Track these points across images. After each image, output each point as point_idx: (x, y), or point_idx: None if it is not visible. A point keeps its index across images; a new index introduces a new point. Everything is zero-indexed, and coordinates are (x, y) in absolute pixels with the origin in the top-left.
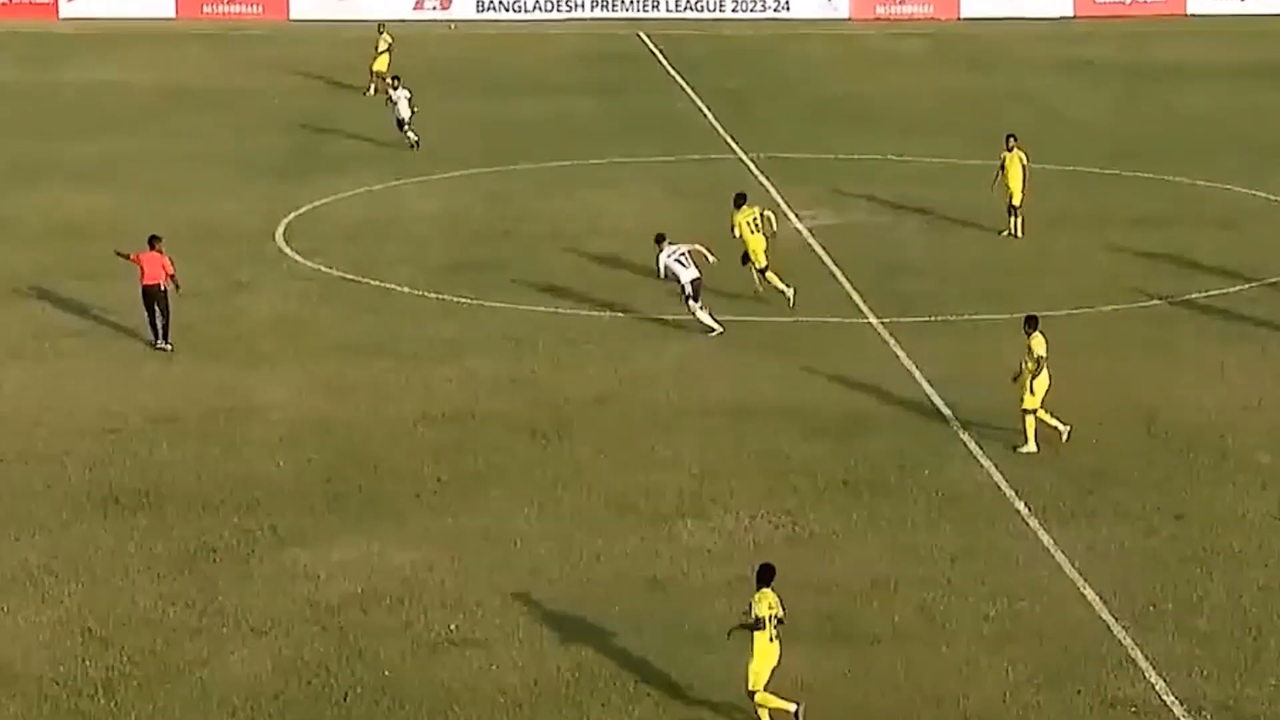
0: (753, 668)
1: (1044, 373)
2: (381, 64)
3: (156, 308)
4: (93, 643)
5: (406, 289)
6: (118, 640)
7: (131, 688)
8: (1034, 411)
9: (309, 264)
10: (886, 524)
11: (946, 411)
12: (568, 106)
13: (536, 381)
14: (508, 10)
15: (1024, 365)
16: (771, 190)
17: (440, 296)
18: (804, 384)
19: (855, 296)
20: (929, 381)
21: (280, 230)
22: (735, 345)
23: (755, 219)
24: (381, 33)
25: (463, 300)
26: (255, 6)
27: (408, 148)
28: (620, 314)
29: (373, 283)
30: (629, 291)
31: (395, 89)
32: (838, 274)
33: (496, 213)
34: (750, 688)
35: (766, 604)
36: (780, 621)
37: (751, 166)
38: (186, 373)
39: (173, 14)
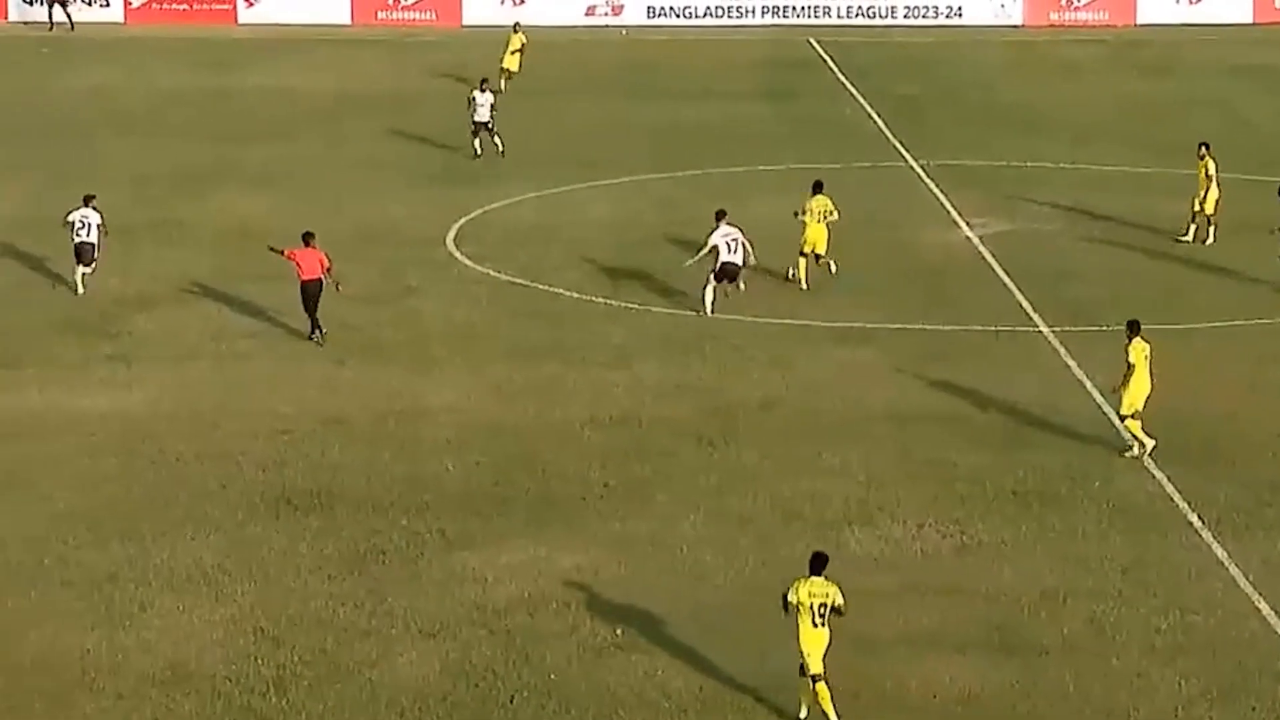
0: (803, 649)
1: (1140, 380)
2: (512, 62)
3: (312, 303)
4: (264, 642)
5: (574, 293)
6: (289, 639)
7: (302, 687)
8: (1129, 417)
9: (479, 268)
10: (1056, 534)
11: (1117, 421)
12: (738, 112)
13: (703, 387)
14: (679, 16)
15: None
16: (941, 198)
17: (608, 301)
18: (972, 392)
19: (1025, 305)
20: (1100, 391)
21: (451, 235)
22: (903, 352)
23: (827, 211)
24: (516, 31)
25: (630, 305)
26: (429, 13)
27: (471, 157)
28: (788, 320)
29: (541, 287)
30: (797, 298)
31: (481, 91)
32: (1008, 282)
33: (665, 218)
34: (810, 671)
35: (806, 592)
36: (834, 610)
37: (921, 173)
38: (358, 376)
39: (348, 20)
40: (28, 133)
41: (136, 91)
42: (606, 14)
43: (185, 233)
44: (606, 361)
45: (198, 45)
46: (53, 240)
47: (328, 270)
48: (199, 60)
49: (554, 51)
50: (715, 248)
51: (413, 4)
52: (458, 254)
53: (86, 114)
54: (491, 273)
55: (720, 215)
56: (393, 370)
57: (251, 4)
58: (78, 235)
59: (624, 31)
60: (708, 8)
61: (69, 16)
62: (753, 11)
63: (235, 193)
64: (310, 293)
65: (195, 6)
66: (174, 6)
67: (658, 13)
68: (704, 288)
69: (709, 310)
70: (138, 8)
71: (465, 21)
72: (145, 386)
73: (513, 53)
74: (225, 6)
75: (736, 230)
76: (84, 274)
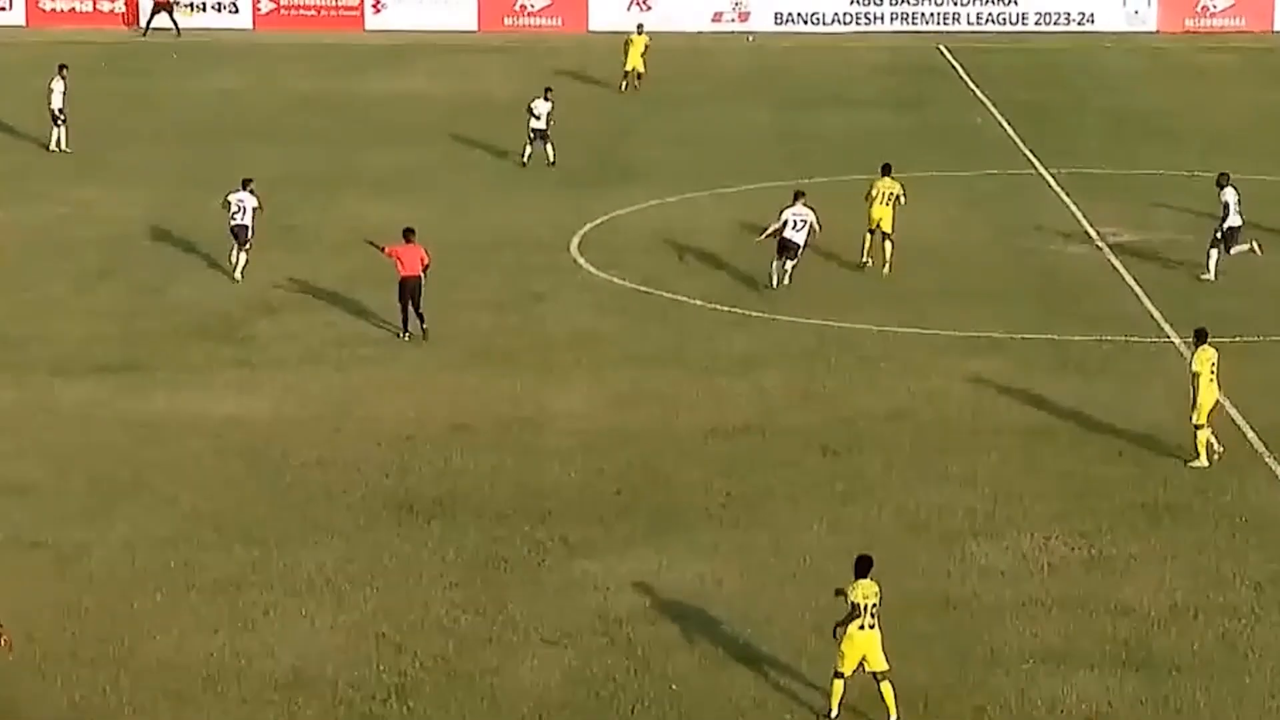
0: (843, 650)
1: (1206, 390)
2: (638, 63)
3: (410, 300)
4: (386, 648)
5: (699, 301)
6: (410, 646)
7: (424, 694)
8: (1201, 427)
9: (603, 275)
10: (1187, 549)
11: (1251, 435)
12: (866, 120)
13: (828, 396)
14: (806, 23)
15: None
16: (1072, 206)
17: (732, 309)
18: (1103, 404)
19: (1157, 315)
20: (1233, 403)
21: (575, 241)
22: (1032, 363)
23: (894, 193)
24: (640, 34)
25: (754, 313)
26: (555, 18)
27: (519, 164)
28: (915, 329)
29: (665, 295)
30: (925, 306)
31: (543, 100)
32: (1139, 292)
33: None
34: (838, 668)
35: (861, 593)
36: (874, 611)
37: (1051, 182)
38: (481, 382)
39: (475, 26)
40: (157, 137)
41: (264, 97)
42: (733, 20)
43: (309, 238)
44: (730, 370)
45: (325, 51)
46: (180, 245)
47: (426, 267)
48: (326, 66)
49: (679, 57)
50: (786, 221)
51: (540, 9)
52: (582, 260)
53: (214, 119)
54: (615, 280)
55: (798, 195)
56: (516, 376)
57: (379, 10)
58: (233, 218)
59: (750, 38)
60: (835, 14)
61: (175, 23)
62: (880, 18)
63: (359, 198)
64: (407, 289)
65: (323, 13)
66: (302, 13)
67: (785, 19)
68: (772, 264)
69: (773, 284)
70: (266, 14)
71: (591, 27)
72: (269, 391)
73: (639, 54)
74: (353, 13)
75: (809, 211)
76: (241, 258)
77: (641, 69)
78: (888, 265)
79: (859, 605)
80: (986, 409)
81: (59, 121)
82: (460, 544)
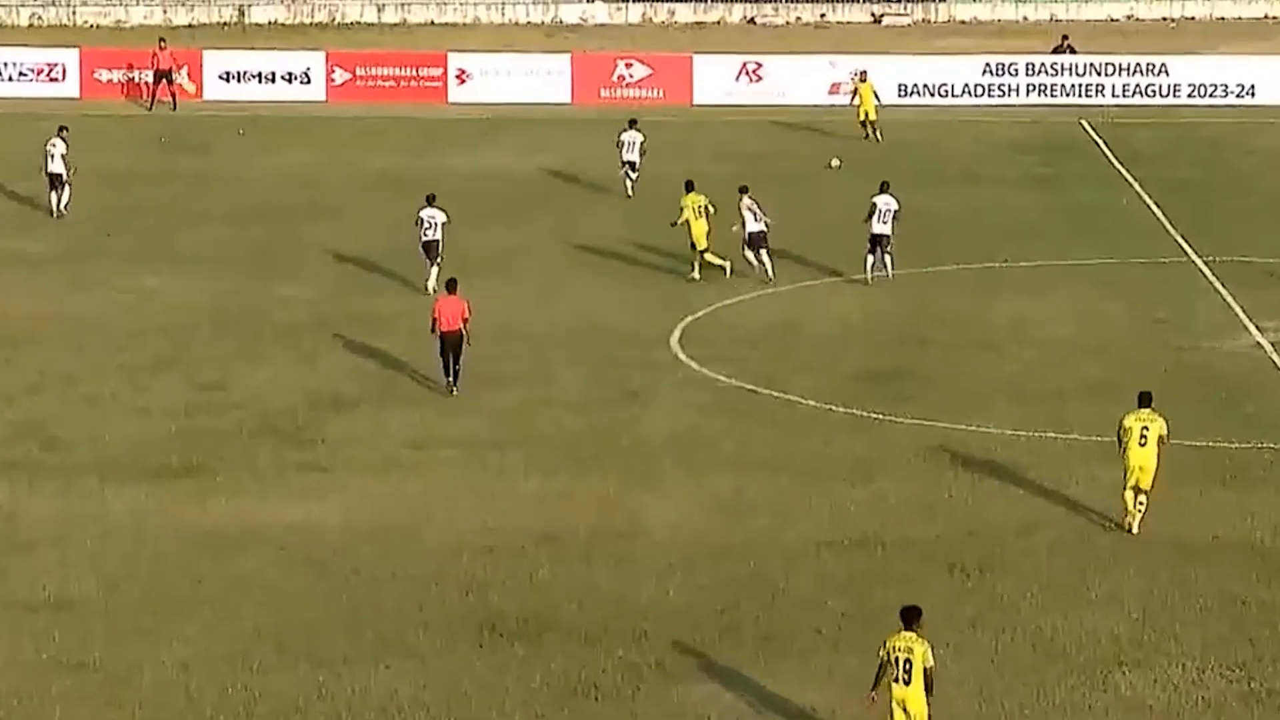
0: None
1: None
2: (869, 107)
3: (451, 354)
4: None
5: (812, 401)
6: None
7: None
8: None
9: (706, 372)
10: None
11: None
12: (998, 200)
13: (954, 507)
14: (933, 94)
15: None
16: (1228, 297)
17: (849, 410)
18: (1266, 518)
19: None
20: None
21: (676, 334)
22: (1185, 473)
23: (702, 206)
24: (864, 81)
25: (873, 414)
26: (657, 90)
27: (625, 197)
28: (1051, 434)
29: (775, 394)
30: (1061, 408)
31: (628, 130)
32: None
33: (914, 317)
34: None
35: (890, 645)
36: (926, 675)
37: (1205, 270)
38: (571, 487)
39: (568, 99)
40: (223, 219)
41: (337, 174)
42: (852, 91)
43: (387, 326)
44: (846, 476)
45: (404, 125)
46: (244, 336)
47: (466, 321)
48: (406, 141)
49: (794, 132)
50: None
51: (639, 80)
52: (682, 355)
53: (285, 198)
54: (720, 377)
55: (884, 187)
56: (610, 482)
57: (464, 81)
58: (425, 234)
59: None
60: (965, 85)
61: (173, 96)
62: (1016, 90)
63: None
64: (447, 343)
65: (403, 84)
66: (380, 84)
67: (909, 90)
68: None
69: (869, 277)
70: (341, 85)
71: (697, 100)
72: (340, 496)
73: (862, 101)
74: (435, 84)
75: (893, 200)
76: (434, 272)
77: (874, 116)
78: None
79: (885, 659)
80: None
81: (59, 185)
82: (547, 669)
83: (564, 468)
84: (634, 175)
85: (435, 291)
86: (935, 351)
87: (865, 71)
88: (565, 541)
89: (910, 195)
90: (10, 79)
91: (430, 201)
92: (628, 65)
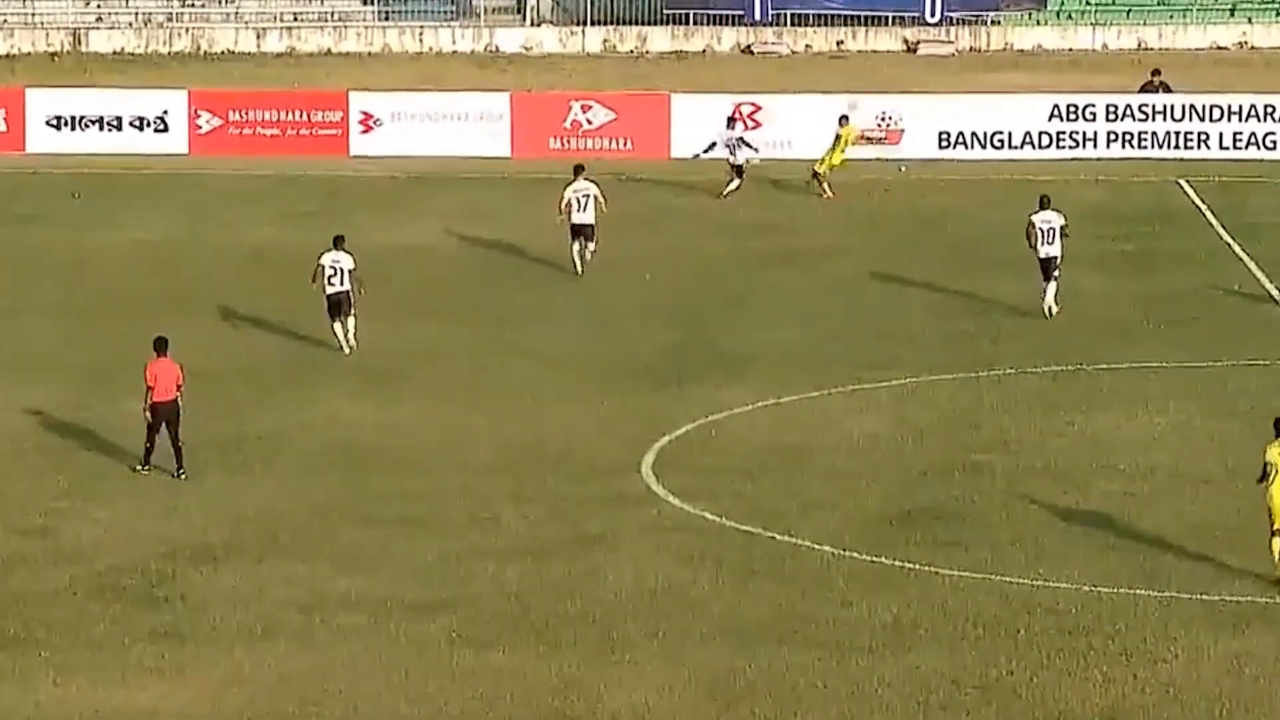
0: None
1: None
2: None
3: (166, 428)
4: None
5: (828, 548)
6: None
7: None
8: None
9: (688, 508)
10: None
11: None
12: (1071, 284)
13: (1016, 688)
14: (981, 146)
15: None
16: None
17: (875, 558)
18: None
19: None
20: None
21: (649, 460)
22: None
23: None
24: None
25: (908, 565)
26: (623, 140)
27: (574, 275)
28: (1143, 589)
29: (779, 537)
30: (1156, 559)
31: (575, 181)
32: None
33: (960, 439)
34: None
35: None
36: None
37: None
38: (513, 664)
39: (507, 152)
40: (54, 310)
41: (205, 251)
42: (881, 141)
43: (270, 453)
44: (872, 647)
45: (292, 185)
46: (82, 465)
47: (180, 387)
48: (294, 206)
49: (801, 196)
50: (1030, 227)
51: (600, 127)
52: (657, 487)
53: (135, 283)
54: (707, 515)
55: (1044, 202)
56: (563, 657)
57: (370, 128)
58: (330, 284)
59: (902, 168)
60: (1027, 134)
61: None
62: (1092, 140)
63: (342, 395)
64: (162, 415)
65: (290, 132)
66: (260, 131)
67: (952, 141)
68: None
69: (1047, 312)
70: (208, 133)
71: (676, 152)
72: (203, 676)
73: (834, 151)
74: (333, 131)
75: (1056, 215)
76: (346, 333)
77: (832, 166)
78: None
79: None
80: (1250, 706)
81: None
82: None
83: (503, 638)
84: (590, 247)
85: (350, 350)
86: (989, 482)
87: (847, 116)
88: None
89: (955, 277)
90: None
91: (337, 244)
92: (585, 108)
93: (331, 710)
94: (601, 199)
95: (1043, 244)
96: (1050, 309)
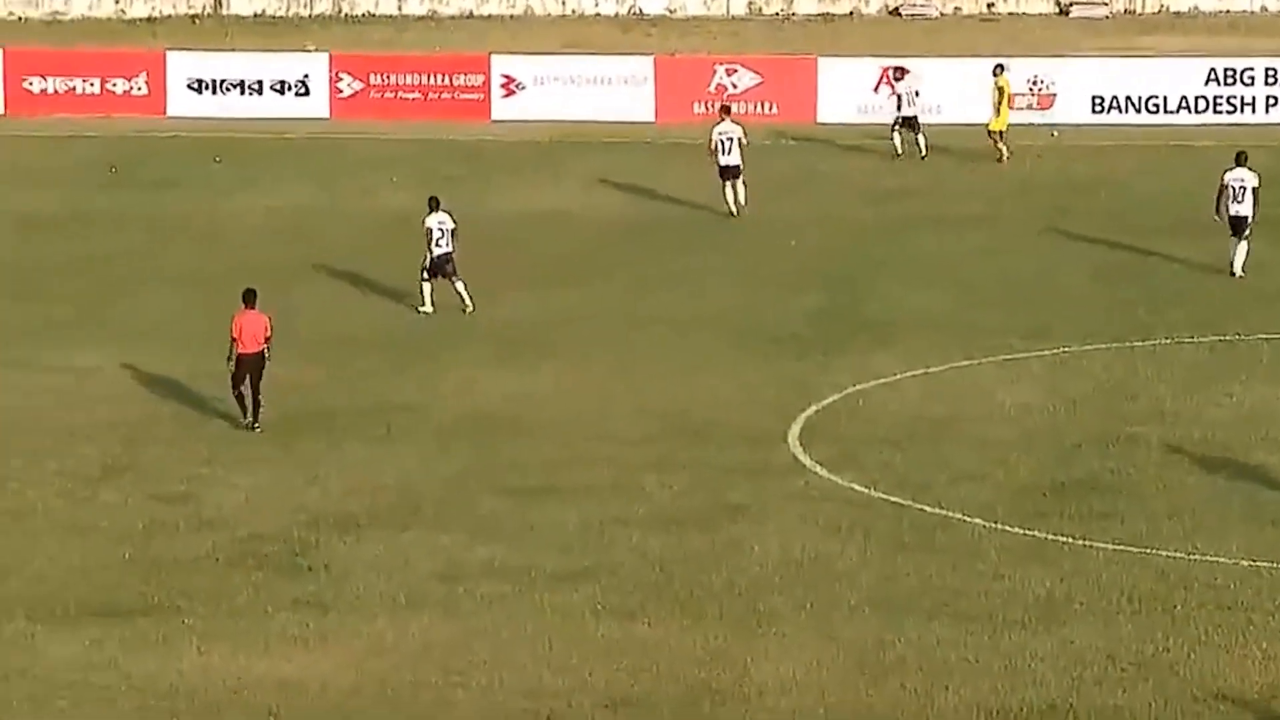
0: None
1: None
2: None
3: (249, 380)
4: None
5: (978, 520)
6: None
7: None
8: None
9: (836, 480)
10: None
11: None
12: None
13: (1173, 665)
14: (1137, 110)
15: None
16: None
17: (1027, 531)
18: None
19: None
20: None
21: (795, 430)
22: None
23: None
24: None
25: (1061, 538)
26: (768, 104)
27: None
28: None
29: (928, 509)
30: None
31: (723, 122)
32: None
33: (1115, 410)
34: None
35: None
36: None
37: None
38: (657, 635)
39: (651, 116)
40: (188, 279)
41: (342, 217)
42: (1031, 105)
43: (409, 422)
44: (1024, 621)
45: (433, 150)
46: (218, 433)
47: (269, 340)
48: (435, 171)
49: (952, 162)
50: (1222, 188)
51: (745, 91)
52: (805, 457)
53: (272, 251)
54: (855, 486)
55: (1240, 158)
56: (707, 628)
57: (512, 92)
58: (436, 246)
59: (1054, 133)
60: (1181, 100)
61: None
62: (1249, 104)
63: (482, 364)
64: (249, 367)
65: (431, 96)
66: (400, 95)
67: (1106, 105)
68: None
69: (1237, 271)
70: (349, 97)
71: (822, 117)
72: (346, 646)
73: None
74: (474, 95)
75: (1250, 175)
76: (460, 287)
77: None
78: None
79: None
80: None
81: None
82: None
83: (647, 608)
84: (740, 189)
85: (469, 309)
86: (1145, 454)
87: (1002, 65)
88: (647, 707)
89: (1109, 246)
90: None
91: (435, 207)
92: (730, 71)
93: (475, 680)
94: (744, 139)
95: (1233, 202)
96: (1238, 269)
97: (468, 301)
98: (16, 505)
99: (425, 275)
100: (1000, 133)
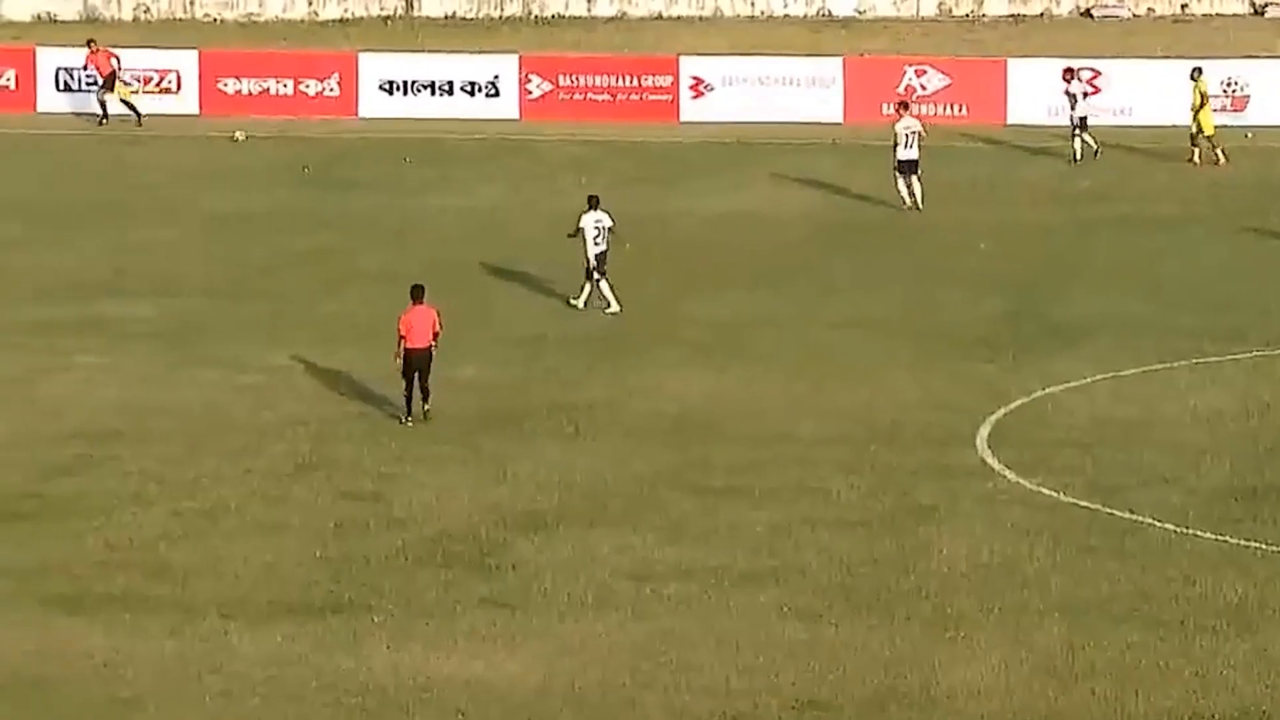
0: None
1: None
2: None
3: (418, 376)
4: None
5: (1170, 525)
6: None
7: None
8: None
9: (1025, 483)
10: None
11: None
12: None
13: None
14: None
15: None
16: None
17: (1220, 537)
18: None
19: None
20: None
21: (984, 433)
22: None
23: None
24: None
25: (1256, 544)
26: (958, 106)
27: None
28: None
29: (1119, 513)
30: None
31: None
32: None
33: None
34: None
35: None
36: None
37: None
38: (842, 636)
39: (839, 117)
40: (380, 276)
41: (533, 217)
42: (1225, 106)
43: (598, 421)
44: (1217, 627)
45: (622, 151)
46: (404, 431)
47: (437, 335)
48: (624, 172)
49: (1144, 164)
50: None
51: (935, 93)
52: (993, 460)
53: (463, 250)
54: (1045, 490)
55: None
56: (895, 631)
57: (701, 93)
58: (596, 244)
59: (1248, 135)
60: None
61: (132, 107)
62: None
63: (670, 364)
64: (417, 364)
65: (620, 97)
66: (590, 97)
67: None
68: None
69: None
70: (539, 98)
71: (1012, 119)
72: (535, 645)
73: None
74: (663, 97)
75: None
76: (607, 289)
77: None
78: None
79: None
80: None
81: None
82: None
83: (834, 610)
84: (916, 184)
85: (621, 308)
86: None
87: (1200, 68)
88: (834, 711)
89: None
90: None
91: (594, 205)
92: (919, 72)
93: (662, 681)
94: (923, 133)
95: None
96: None
97: (613, 302)
98: (210, 504)
99: (596, 275)
100: (1210, 137)
